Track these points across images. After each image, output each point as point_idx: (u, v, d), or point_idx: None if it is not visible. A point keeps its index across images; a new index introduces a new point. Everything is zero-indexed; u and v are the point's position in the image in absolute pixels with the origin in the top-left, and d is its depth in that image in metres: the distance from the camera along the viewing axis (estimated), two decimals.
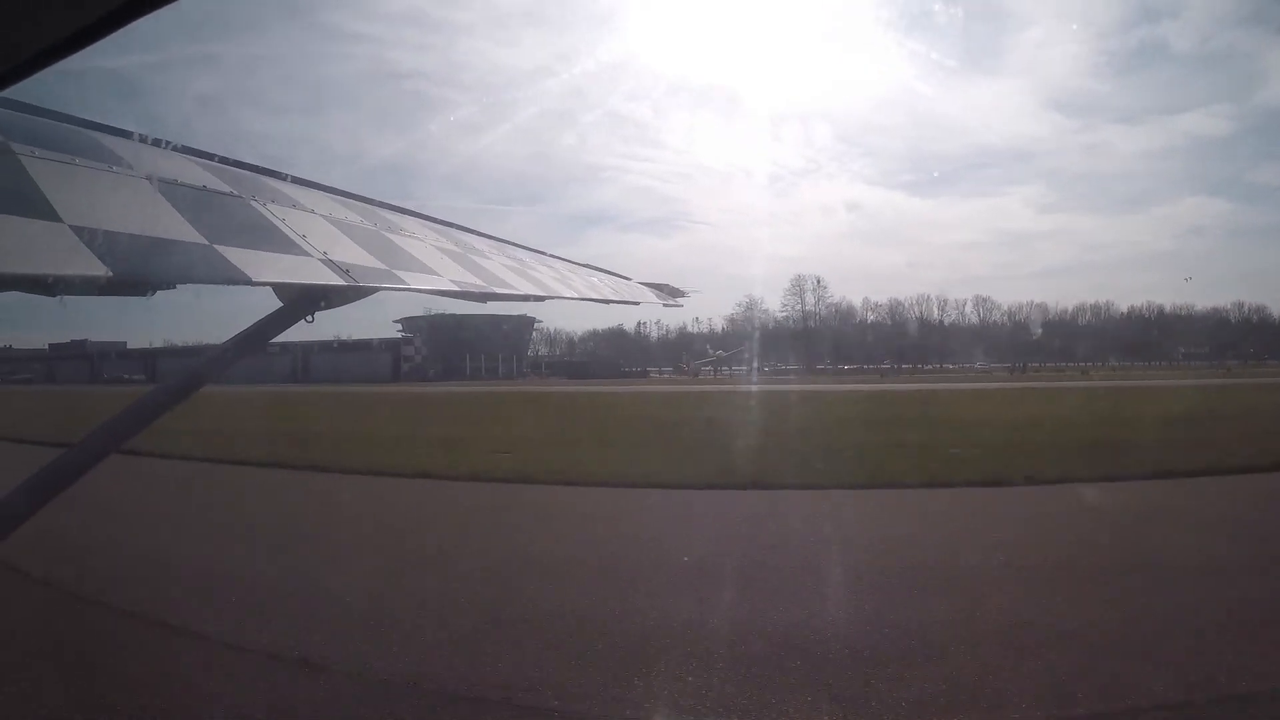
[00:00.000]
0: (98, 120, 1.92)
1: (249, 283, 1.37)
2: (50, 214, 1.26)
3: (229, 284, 1.35)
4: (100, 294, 1.43)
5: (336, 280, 1.66)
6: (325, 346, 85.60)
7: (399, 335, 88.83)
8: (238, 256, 1.43)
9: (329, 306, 2.07)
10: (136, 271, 1.26)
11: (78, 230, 1.23)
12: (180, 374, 2.26)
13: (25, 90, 1.76)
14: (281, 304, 2.04)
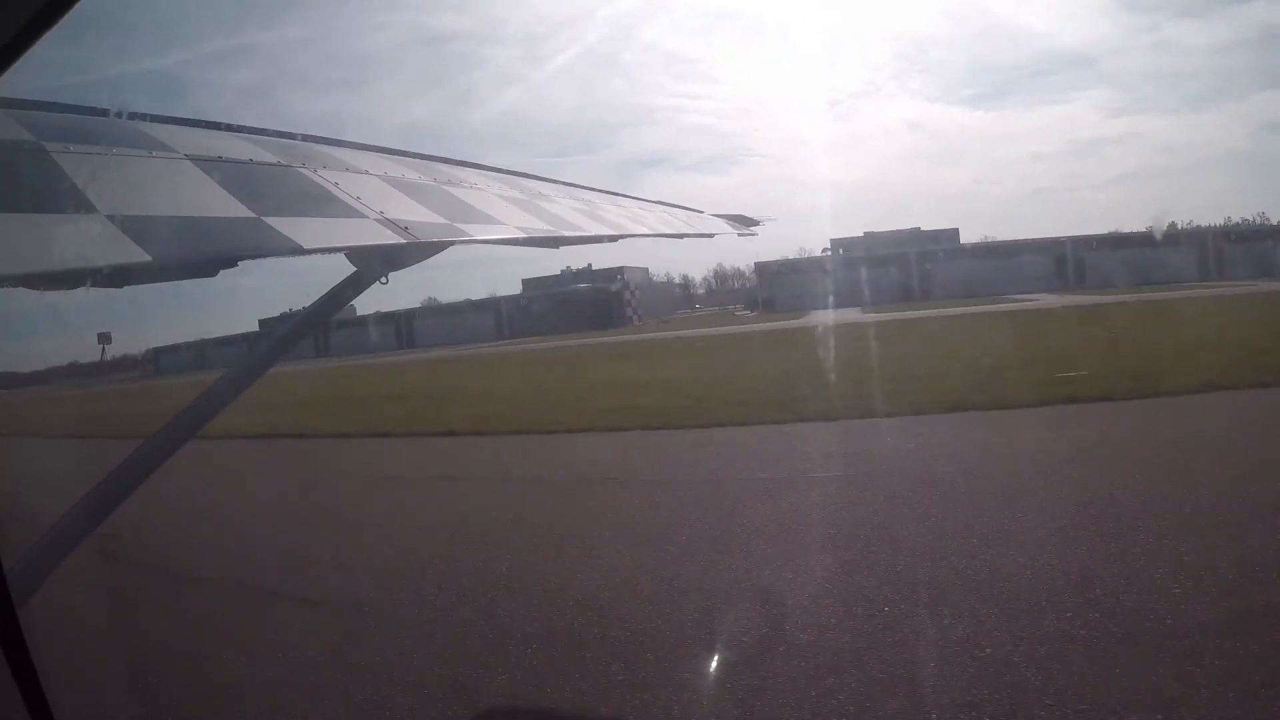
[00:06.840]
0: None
1: (300, 251, 1.26)
2: (86, 206, 1.18)
3: (282, 254, 1.23)
4: (158, 280, 1.35)
5: (395, 239, 1.54)
6: None
7: None
8: (287, 226, 1.32)
9: (399, 267, 1.98)
10: (178, 254, 1.16)
11: (114, 219, 1.14)
12: (257, 350, 2.22)
13: (62, 92, 1.66)
14: (355, 269, 1.96)
